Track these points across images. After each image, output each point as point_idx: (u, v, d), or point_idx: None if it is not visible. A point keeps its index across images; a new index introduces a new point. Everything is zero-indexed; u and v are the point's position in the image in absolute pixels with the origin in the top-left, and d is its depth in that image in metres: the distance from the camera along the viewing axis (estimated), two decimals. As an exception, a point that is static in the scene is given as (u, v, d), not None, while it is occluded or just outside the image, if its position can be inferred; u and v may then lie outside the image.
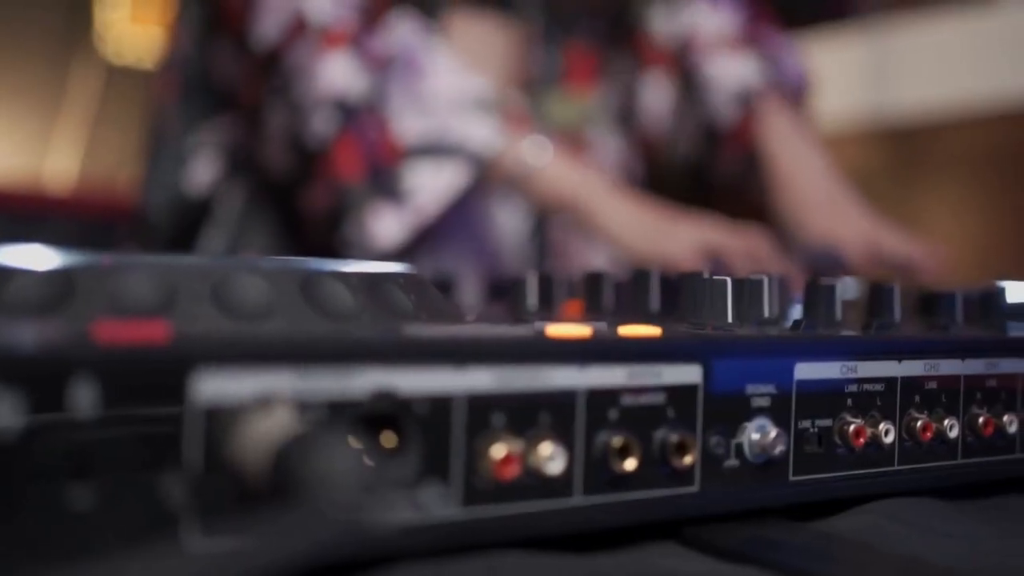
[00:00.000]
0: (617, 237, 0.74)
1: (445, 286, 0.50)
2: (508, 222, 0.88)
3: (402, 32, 0.77)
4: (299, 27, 0.77)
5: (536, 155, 0.75)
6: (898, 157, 1.57)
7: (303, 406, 0.22)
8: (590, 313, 0.42)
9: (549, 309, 0.43)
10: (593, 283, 0.42)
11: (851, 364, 0.31)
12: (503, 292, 0.43)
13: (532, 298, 0.40)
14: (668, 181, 0.98)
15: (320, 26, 0.76)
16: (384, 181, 0.75)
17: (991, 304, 0.42)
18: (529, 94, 0.91)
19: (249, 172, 0.88)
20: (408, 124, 0.75)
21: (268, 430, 0.21)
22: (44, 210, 1.57)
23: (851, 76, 1.60)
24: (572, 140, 0.91)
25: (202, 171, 0.89)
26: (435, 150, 0.74)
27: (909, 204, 1.51)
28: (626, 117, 0.97)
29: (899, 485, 0.33)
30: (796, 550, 0.27)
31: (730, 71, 0.89)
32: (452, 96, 0.75)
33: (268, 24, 0.79)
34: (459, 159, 0.74)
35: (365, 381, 0.23)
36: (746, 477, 0.29)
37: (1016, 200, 1.40)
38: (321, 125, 0.76)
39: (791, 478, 0.30)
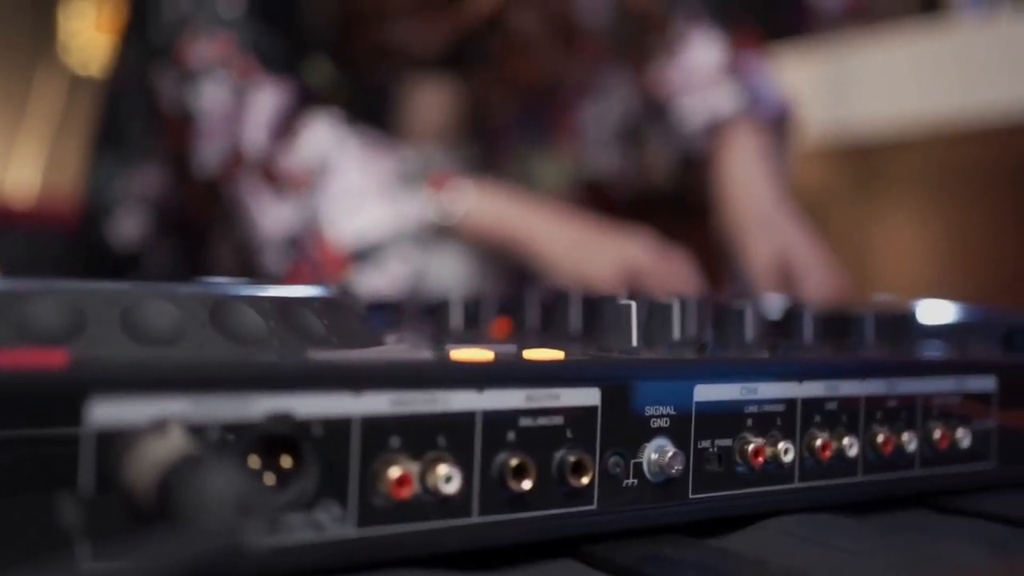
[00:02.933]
0: (546, 258, 0.76)
1: (386, 307, 0.51)
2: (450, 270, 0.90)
3: (316, 137, 0.79)
4: (237, 161, 0.79)
5: (462, 201, 0.77)
6: (855, 175, 1.59)
7: (198, 429, 0.23)
8: (516, 334, 0.43)
9: (477, 330, 0.44)
10: (518, 305, 0.43)
11: (751, 386, 0.32)
12: (433, 314, 0.44)
13: (456, 319, 0.41)
14: (660, 205, 1.01)
15: (257, 161, 0.78)
16: None
17: (904, 325, 0.44)
18: (513, 157, 0.93)
19: (178, 232, 0.89)
20: (343, 229, 0.77)
21: (160, 453, 0.21)
22: (5, 222, 1.56)
23: (809, 93, 1.63)
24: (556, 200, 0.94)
25: (129, 225, 0.91)
26: (376, 245, 0.77)
27: (866, 221, 1.53)
28: (630, 138, 0.99)
29: (800, 502, 0.34)
30: (690, 566, 0.28)
31: (703, 102, 0.91)
32: (375, 184, 0.77)
33: (207, 152, 0.81)
34: (400, 246, 0.76)
35: (261, 405, 0.24)
36: (645, 496, 0.30)
37: (972, 218, 1.43)
38: (272, 263, 0.78)
39: (691, 496, 0.31)
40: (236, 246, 0.83)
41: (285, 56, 0.81)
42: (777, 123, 0.95)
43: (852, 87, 1.59)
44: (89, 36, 2.58)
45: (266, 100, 0.78)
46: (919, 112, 1.48)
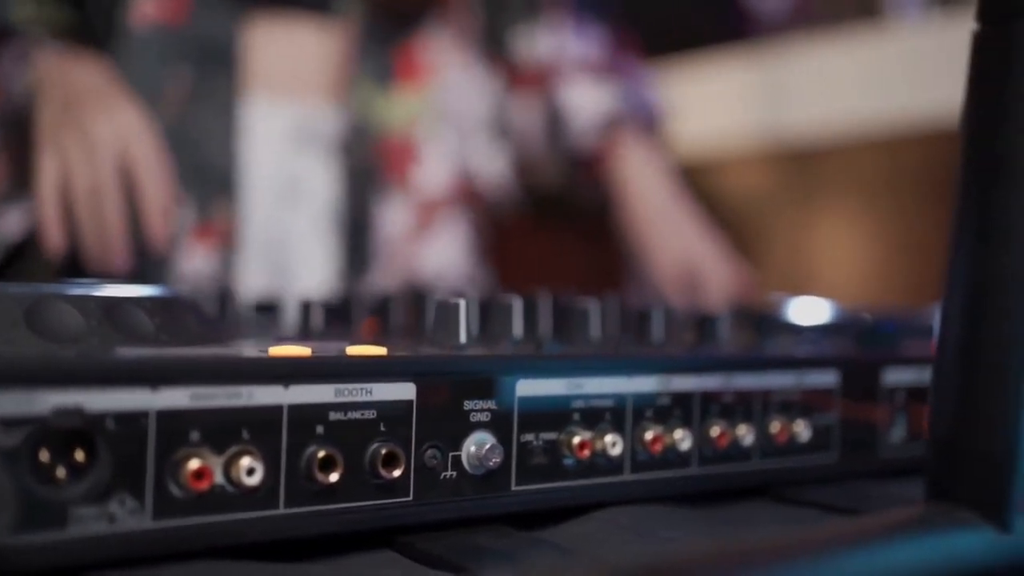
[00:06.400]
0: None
1: (266, 309, 0.51)
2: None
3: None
4: None
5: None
6: (794, 179, 1.62)
7: (-21, 425, 0.23)
8: (382, 333, 0.44)
9: (347, 328, 0.45)
10: (383, 305, 0.43)
11: (577, 381, 0.33)
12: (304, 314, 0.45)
13: (317, 319, 0.42)
14: (542, 203, 1.01)
15: None
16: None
17: (763, 322, 0.45)
18: (356, 95, 0.91)
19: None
20: None
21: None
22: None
23: (747, 98, 1.65)
24: (404, 140, 0.92)
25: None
26: None
27: (805, 225, 1.55)
28: (502, 134, 0.99)
29: (632, 494, 0.35)
30: (497, 555, 0.29)
31: (590, 99, 0.92)
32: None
33: None
34: None
35: (49, 400, 0.24)
36: (465, 488, 0.31)
37: (908, 223, 1.45)
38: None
39: (514, 488, 0.32)
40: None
41: None
42: (653, 127, 0.96)
43: (790, 91, 1.62)
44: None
45: None
46: (857, 116, 1.50)
